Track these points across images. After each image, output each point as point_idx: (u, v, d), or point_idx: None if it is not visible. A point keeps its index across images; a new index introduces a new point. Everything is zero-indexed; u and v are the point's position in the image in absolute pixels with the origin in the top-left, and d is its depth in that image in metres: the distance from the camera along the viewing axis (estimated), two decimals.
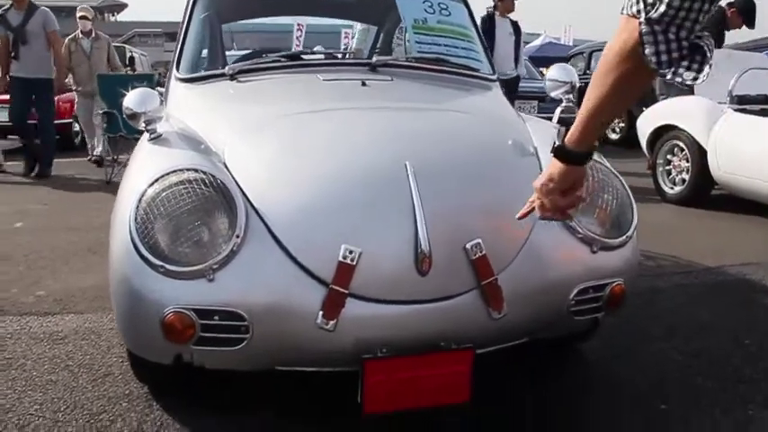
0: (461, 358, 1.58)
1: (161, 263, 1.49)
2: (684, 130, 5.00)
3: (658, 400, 2.02)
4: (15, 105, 6.29)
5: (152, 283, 1.50)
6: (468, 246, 1.57)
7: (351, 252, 1.51)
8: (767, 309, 2.88)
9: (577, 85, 2.16)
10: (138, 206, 1.56)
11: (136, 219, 1.54)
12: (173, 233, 1.53)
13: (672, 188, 5.18)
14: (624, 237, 1.79)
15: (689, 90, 5.38)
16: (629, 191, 1.90)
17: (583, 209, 1.75)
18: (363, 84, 2.20)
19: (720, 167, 4.68)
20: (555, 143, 1.46)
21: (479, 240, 1.58)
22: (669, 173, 5.23)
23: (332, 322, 1.50)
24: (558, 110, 2.22)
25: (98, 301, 2.80)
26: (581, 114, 1.15)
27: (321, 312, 1.50)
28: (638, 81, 1.07)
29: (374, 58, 2.39)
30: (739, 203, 4.72)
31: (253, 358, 1.56)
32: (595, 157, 1.93)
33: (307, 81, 2.32)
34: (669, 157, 5.23)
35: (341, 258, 1.50)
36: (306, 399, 1.98)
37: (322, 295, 1.50)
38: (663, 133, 5.27)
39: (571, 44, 16.83)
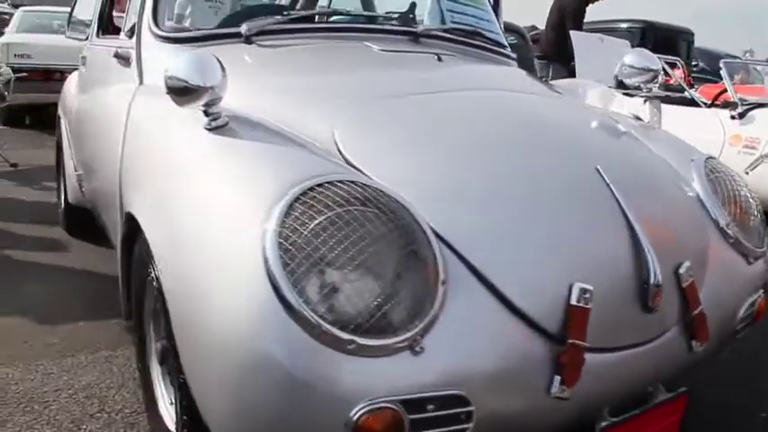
0: (679, 405, 1.30)
1: (350, 336, 0.97)
2: None
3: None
4: None
5: (333, 368, 0.97)
6: (681, 270, 1.29)
7: (585, 292, 1.13)
8: None
9: (661, 72, 1.96)
10: (279, 246, 0.99)
11: (286, 267, 0.98)
12: (360, 288, 1.00)
13: None
14: (765, 247, 1.64)
15: (569, 73, 5.56)
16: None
17: (739, 216, 1.56)
18: (439, 59, 1.75)
19: None
20: None
21: (689, 263, 1.30)
22: None
23: (570, 389, 1.11)
24: (641, 100, 2.02)
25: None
26: None
27: (558, 378, 1.10)
28: None
29: (419, 28, 1.93)
30: None
31: None
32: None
33: (358, 50, 1.79)
34: None
35: (574, 301, 1.12)
36: None
37: (554, 353, 1.11)
38: None
39: None
